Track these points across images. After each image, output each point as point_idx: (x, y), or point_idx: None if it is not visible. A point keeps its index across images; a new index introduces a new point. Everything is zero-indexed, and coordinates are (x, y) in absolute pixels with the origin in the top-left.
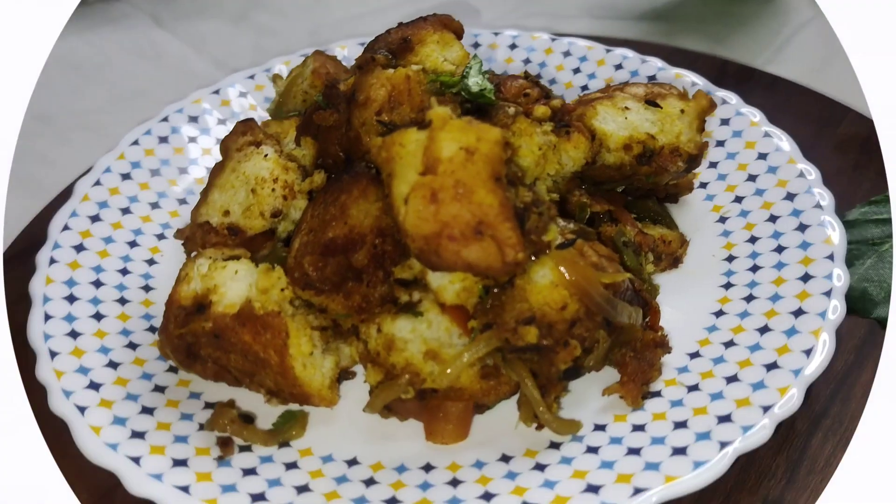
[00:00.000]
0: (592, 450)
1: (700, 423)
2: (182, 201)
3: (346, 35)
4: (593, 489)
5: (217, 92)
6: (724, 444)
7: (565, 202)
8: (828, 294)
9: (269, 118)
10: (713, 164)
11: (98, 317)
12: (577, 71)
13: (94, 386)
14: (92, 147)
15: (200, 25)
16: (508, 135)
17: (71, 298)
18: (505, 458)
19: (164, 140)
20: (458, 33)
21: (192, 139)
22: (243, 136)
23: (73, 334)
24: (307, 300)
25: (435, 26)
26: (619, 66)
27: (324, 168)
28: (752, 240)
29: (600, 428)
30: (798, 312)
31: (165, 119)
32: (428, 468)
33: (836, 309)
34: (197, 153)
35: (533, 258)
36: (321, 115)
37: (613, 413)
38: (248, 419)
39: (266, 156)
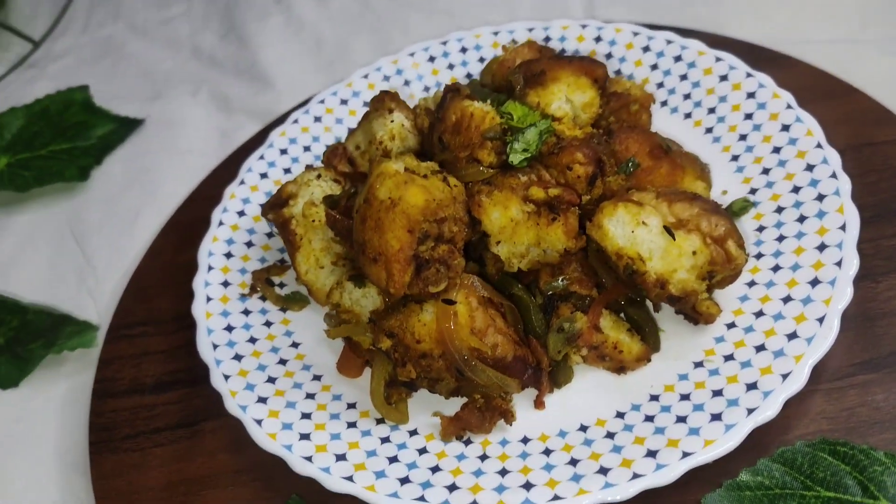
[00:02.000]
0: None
1: None
2: None
3: None
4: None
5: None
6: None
7: (539, 272)
8: None
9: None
10: (729, 326)
11: None
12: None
13: None
14: None
15: None
16: (441, 199)
17: None
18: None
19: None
20: (600, 81)
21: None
22: (381, 102)
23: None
24: None
25: (575, 69)
26: None
27: None
28: (683, 398)
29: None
30: None
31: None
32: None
33: None
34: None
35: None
36: (427, 112)
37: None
38: (271, 283)
39: (392, 121)
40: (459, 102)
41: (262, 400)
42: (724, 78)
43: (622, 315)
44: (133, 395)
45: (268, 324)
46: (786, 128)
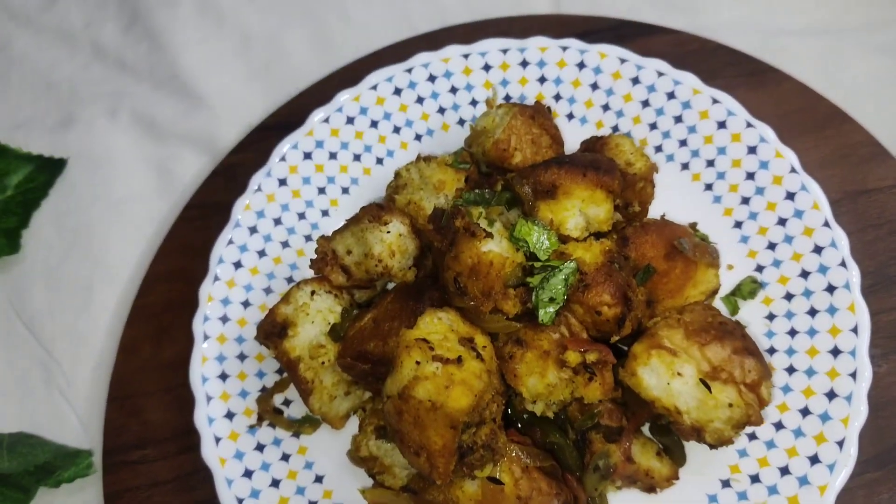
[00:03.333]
0: None
1: None
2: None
3: None
4: None
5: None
6: None
7: (569, 405)
8: None
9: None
10: (750, 437)
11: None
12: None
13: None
14: None
15: None
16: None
17: None
18: None
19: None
20: (615, 192)
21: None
22: (374, 212)
23: None
24: None
25: (589, 183)
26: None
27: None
28: None
29: None
30: None
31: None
32: None
33: None
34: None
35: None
36: (432, 232)
37: None
38: (279, 411)
39: (388, 233)
40: (475, 247)
41: None
42: (721, 125)
43: (645, 429)
44: None
45: (285, 457)
46: (790, 196)
